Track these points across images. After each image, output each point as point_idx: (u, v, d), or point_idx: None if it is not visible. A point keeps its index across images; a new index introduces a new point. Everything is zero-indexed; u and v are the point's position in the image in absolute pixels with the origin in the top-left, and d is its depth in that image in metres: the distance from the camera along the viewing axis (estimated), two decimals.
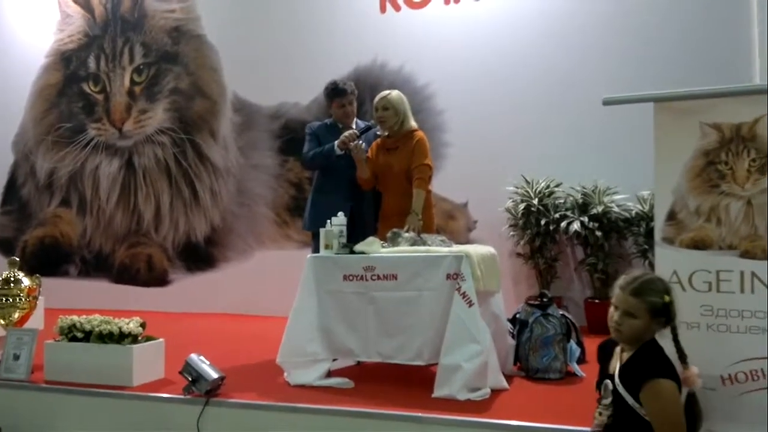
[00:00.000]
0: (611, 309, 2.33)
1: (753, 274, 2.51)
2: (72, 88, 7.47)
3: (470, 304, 3.36)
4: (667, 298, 2.30)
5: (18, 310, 4.30)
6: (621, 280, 2.35)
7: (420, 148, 4.10)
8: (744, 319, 2.51)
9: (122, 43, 7.28)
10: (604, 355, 2.45)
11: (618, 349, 2.38)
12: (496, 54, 5.99)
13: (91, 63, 7.38)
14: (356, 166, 4.20)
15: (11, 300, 4.28)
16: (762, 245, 2.51)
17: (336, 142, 4.17)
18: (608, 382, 2.33)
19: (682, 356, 2.31)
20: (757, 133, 2.53)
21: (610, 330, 2.34)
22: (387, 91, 4.22)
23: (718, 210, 2.57)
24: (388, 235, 3.80)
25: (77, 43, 7.48)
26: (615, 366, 2.34)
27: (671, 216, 2.65)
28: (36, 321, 4.53)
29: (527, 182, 5.58)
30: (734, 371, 2.50)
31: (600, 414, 2.33)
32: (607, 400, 2.30)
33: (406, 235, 3.76)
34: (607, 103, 2.79)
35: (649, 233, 4.76)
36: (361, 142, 4.19)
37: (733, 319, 2.53)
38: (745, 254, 2.53)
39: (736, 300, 2.53)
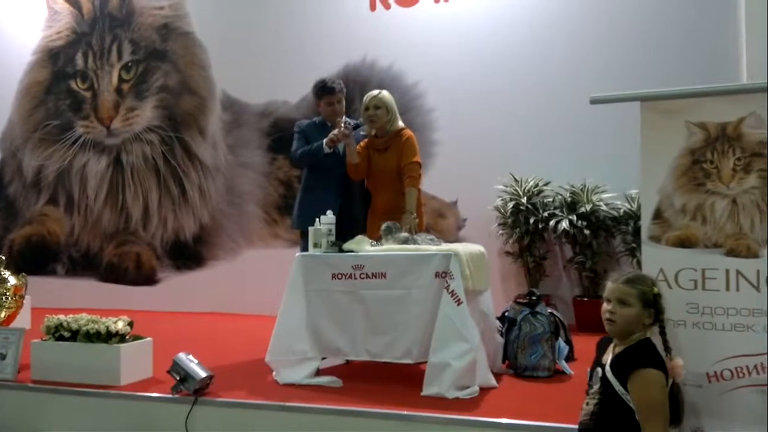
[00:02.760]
0: (604, 304, 2.37)
1: (738, 272, 2.53)
2: (59, 85, 7.42)
3: (459, 302, 3.37)
4: (656, 290, 2.38)
5: (4, 309, 4.28)
6: (612, 276, 2.44)
7: (409, 146, 4.11)
8: (729, 317, 2.53)
9: (110, 41, 7.23)
10: (601, 349, 2.49)
11: (612, 345, 2.42)
12: (485, 53, 6.01)
13: (79, 60, 7.34)
14: (346, 155, 4.18)
15: None
16: (747, 243, 2.53)
17: (324, 141, 4.16)
18: (599, 369, 2.37)
19: (667, 348, 2.37)
20: (743, 132, 2.54)
21: (603, 323, 2.38)
22: (377, 91, 4.21)
23: (703, 208, 2.59)
24: (383, 229, 3.78)
25: (65, 39, 7.43)
26: (607, 358, 2.37)
27: (657, 214, 2.67)
28: (23, 320, 4.50)
29: (516, 181, 5.59)
30: (720, 368, 2.52)
31: (587, 404, 2.36)
32: (597, 386, 2.33)
33: (400, 235, 3.75)
34: (594, 102, 2.80)
35: (637, 232, 4.79)
36: (348, 122, 4.17)
37: (719, 317, 2.54)
38: (731, 252, 2.55)
39: (721, 298, 2.54)
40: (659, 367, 2.27)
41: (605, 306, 2.37)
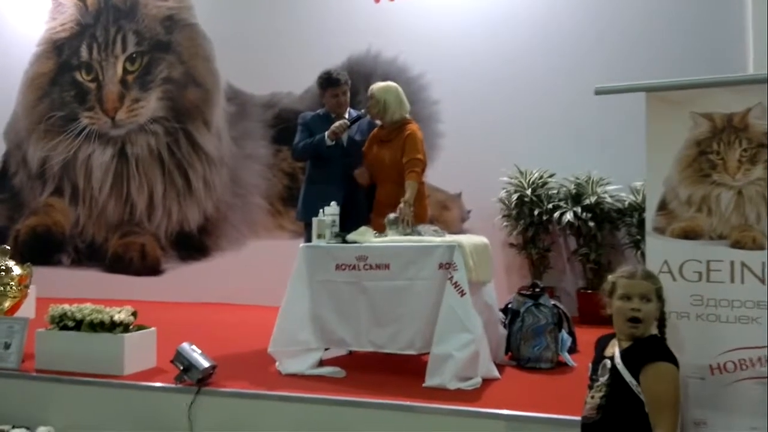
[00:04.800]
0: (620, 302, 2.32)
1: (743, 264, 2.51)
2: (64, 76, 7.43)
3: (462, 293, 3.37)
4: (660, 283, 2.38)
5: (9, 299, 4.29)
6: (623, 272, 2.38)
7: (411, 141, 4.05)
8: (734, 309, 2.51)
9: (115, 32, 7.23)
10: (601, 346, 2.47)
11: (614, 340, 2.40)
12: (490, 44, 5.98)
13: (84, 52, 7.34)
14: (348, 147, 4.24)
15: (2, 289, 4.27)
16: (752, 235, 2.51)
17: (326, 133, 4.15)
18: (607, 360, 2.35)
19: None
20: (749, 123, 2.52)
21: (618, 322, 2.33)
22: (379, 82, 4.20)
23: (709, 200, 2.57)
24: (387, 219, 3.77)
25: (69, 31, 7.43)
26: (612, 351, 2.36)
27: (662, 206, 2.65)
28: (27, 310, 4.52)
29: (521, 173, 5.58)
30: (723, 360, 2.51)
31: (592, 397, 2.34)
32: (604, 378, 2.32)
33: (401, 226, 3.74)
34: (599, 92, 2.78)
35: (642, 224, 4.75)
36: (351, 112, 4.25)
37: (723, 309, 2.53)
38: (736, 244, 2.53)
39: (726, 290, 2.53)
40: (673, 360, 2.26)
41: (623, 304, 2.31)
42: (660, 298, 2.36)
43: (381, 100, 4.10)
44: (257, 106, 6.78)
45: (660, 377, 2.21)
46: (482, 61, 5.98)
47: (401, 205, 3.85)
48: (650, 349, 2.28)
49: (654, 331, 2.37)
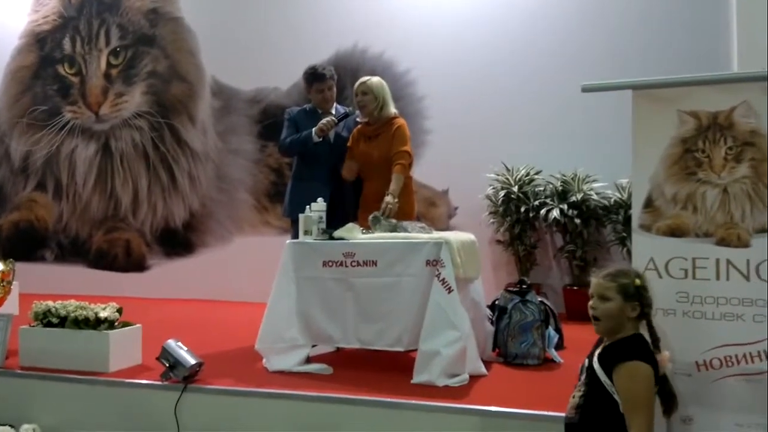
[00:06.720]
0: (590, 301, 2.36)
1: (728, 262, 2.53)
2: (47, 70, 7.34)
3: (449, 290, 3.38)
4: (638, 281, 2.34)
5: None
6: (595, 272, 2.40)
7: (400, 135, 4.08)
8: (719, 306, 2.53)
9: (98, 25, 7.15)
10: (596, 345, 2.48)
11: (604, 340, 2.41)
12: (477, 41, 5.98)
13: (67, 45, 7.26)
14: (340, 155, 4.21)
15: None
16: (737, 233, 2.52)
17: (314, 129, 4.13)
18: (586, 360, 2.36)
19: (655, 340, 2.36)
20: (734, 121, 2.53)
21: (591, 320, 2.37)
22: (367, 77, 4.19)
23: (694, 198, 2.58)
24: (370, 218, 3.77)
25: (52, 24, 7.34)
26: (596, 351, 2.37)
27: (648, 203, 2.66)
28: (11, 306, 4.45)
29: (507, 170, 5.59)
30: (709, 357, 2.52)
31: (573, 397, 2.35)
32: (583, 378, 2.33)
33: (385, 222, 3.74)
34: (586, 90, 2.78)
35: (628, 221, 4.81)
36: (339, 108, 4.25)
37: (709, 306, 2.54)
38: (721, 242, 2.54)
39: (711, 287, 2.54)
40: (647, 360, 2.25)
41: (589, 302, 2.35)
42: (628, 295, 2.30)
43: (380, 96, 4.09)
44: (243, 101, 6.74)
45: (630, 377, 2.20)
46: (470, 58, 5.98)
47: (387, 197, 3.84)
48: (625, 348, 2.27)
49: (641, 330, 2.37)
